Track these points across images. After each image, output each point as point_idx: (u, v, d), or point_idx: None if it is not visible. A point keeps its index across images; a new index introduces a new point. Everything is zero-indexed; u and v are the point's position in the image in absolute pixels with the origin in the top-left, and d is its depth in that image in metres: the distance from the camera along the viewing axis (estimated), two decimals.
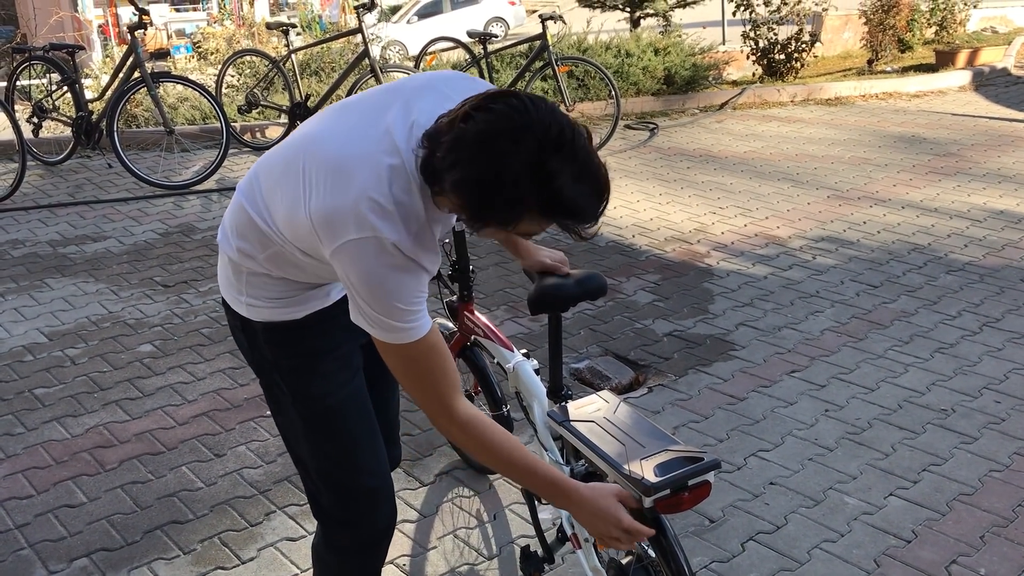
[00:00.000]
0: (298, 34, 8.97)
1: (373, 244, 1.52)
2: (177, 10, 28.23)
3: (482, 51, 7.34)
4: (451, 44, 8.16)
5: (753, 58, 10.29)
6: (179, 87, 7.39)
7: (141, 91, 6.41)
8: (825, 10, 11.01)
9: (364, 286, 1.56)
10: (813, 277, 4.87)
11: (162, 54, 7.70)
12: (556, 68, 7.08)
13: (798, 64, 10.19)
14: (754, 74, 10.47)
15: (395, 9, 28.13)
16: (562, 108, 6.99)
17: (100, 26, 26.48)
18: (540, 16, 6.79)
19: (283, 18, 8.08)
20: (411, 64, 8.73)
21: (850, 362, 3.93)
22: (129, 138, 6.92)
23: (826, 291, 4.69)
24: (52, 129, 7.03)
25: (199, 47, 15.52)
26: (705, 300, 4.62)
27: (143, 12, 6.21)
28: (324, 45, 8.22)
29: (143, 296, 4.66)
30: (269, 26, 7.68)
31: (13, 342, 4.16)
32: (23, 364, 3.96)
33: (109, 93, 6.44)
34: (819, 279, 4.84)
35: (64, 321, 4.37)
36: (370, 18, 8.41)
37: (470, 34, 7.36)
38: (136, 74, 6.22)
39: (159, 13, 28.53)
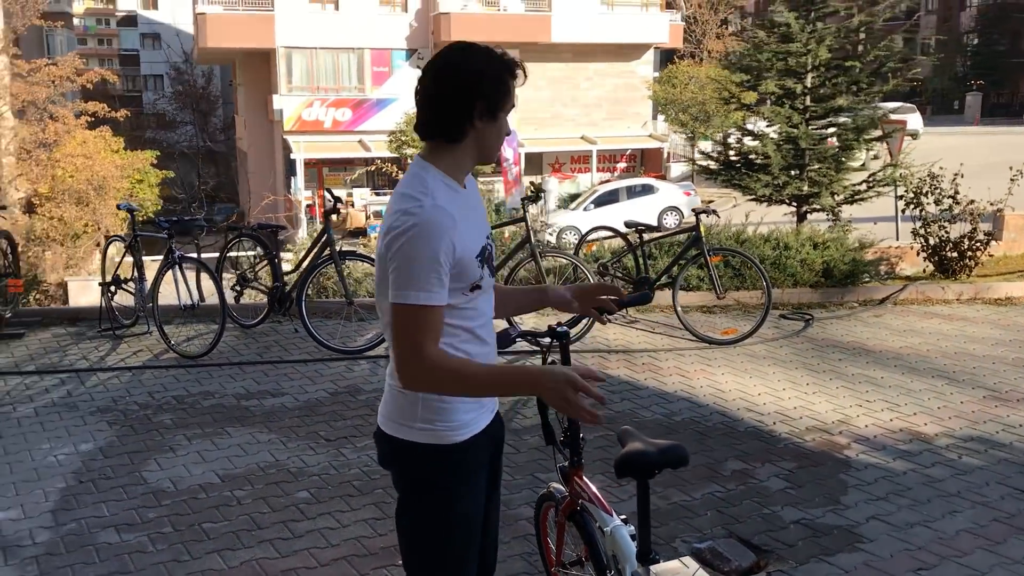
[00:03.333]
0: None
1: None
2: (377, 194, 30.85)
3: (638, 240, 7.80)
4: (609, 233, 8.69)
5: (924, 255, 10.26)
6: (364, 264, 8.19)
7: (330, 266, 7.20)
8: (1000, 210, 10.89)
9: None
10: (956, 476, 4.77)
11: (359, 232, 8.58)
12: (708, 258, 7.42)
13: (971, 262, 10.06)
14: (925, 270, 10.40)
15: (575, 197, 29.68)
16: (713, 295, 7.34)
17: (308, 206, 29.41)
18: (694, 210, 7.21)
19: None
20: (571, 251, 9.29)
21: (983, 564, 3.83)
22: (316, 307, 7.71)
23: (968, 492, 4.58)
24: (251, 296, 7.93)
25: None
26: (839, 491, 4.61)
27: (337, 199, 7.08)
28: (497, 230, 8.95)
29: (307, 448, 5.14)
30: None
31: (191, 481, 4.69)
32: (197, 500, 4.46)
33: (303, 267, 7.27)
34: (962, 479, 4.74)
35: (236, 465, 4.89)
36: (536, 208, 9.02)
37: (627, 224, 7.85)
38: (327, 252, 7.02)
39: (360, 196, 31.45)
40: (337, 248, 6.99)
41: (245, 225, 7.55)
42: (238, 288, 7.56)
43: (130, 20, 60.41)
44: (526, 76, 2.37)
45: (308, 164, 30.41)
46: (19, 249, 8.07)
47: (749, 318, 7.94)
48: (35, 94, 26.10)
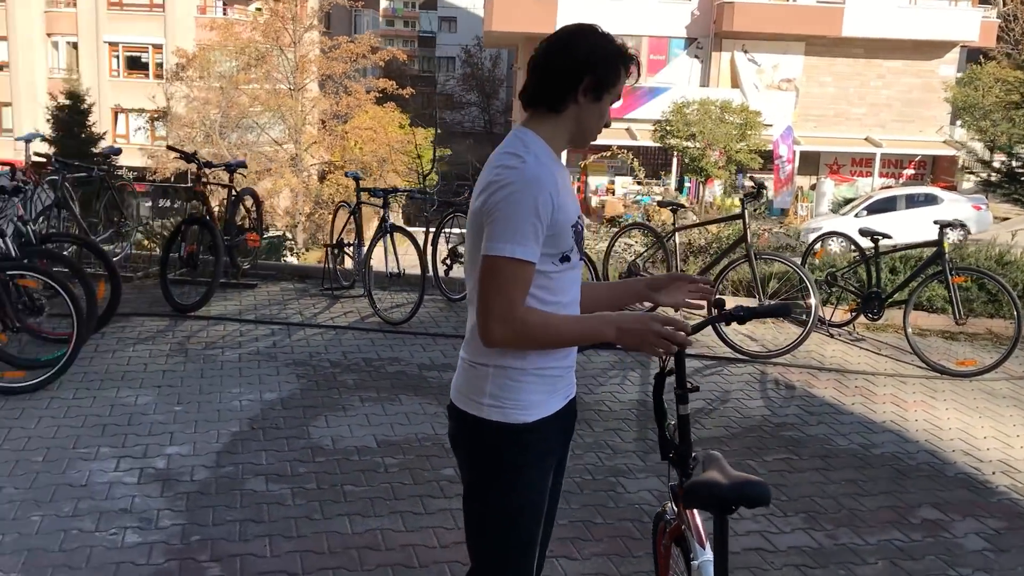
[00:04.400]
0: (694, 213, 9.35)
1: None
2: (639, 183, 30.61)
3: (872, 250, 7.06)
4: (843, 240, 7.95)
5: None
6: None
7: None
8: None
9: None
10: None
11: (615, 220, 8.37)
12: (951, 277, 6.57)
13: None
14: None
15: (848, 200, 27.77)
16: (952, 320, 6.48)
17: None
18: (937, 222, 6.40)
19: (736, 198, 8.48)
20: (798, 259, 8.60)
21: None
22: None
23: None
24: (458, 271, 8.04)
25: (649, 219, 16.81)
26: None
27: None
28: (707, 227, 8.54)
29: None
30: (661, 204, 8.15)
31: (349, 442, 4.79)
32: (348, 462, 4.55)
33: None
34: None
35: (396, 433, 4.95)
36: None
37: (862, 232, 7.13)
38: None
39: (622, 184, 31.35)
40: None
41: (463, 200, 7.62)
42: (447, 262, 7.69)
43: (430, 3, 64.00)
44: (640, 74, 2.37)
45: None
46: (264, 208, 8.70)
47: (996, 350, 6.97)
48: (333, 69, 28.39)
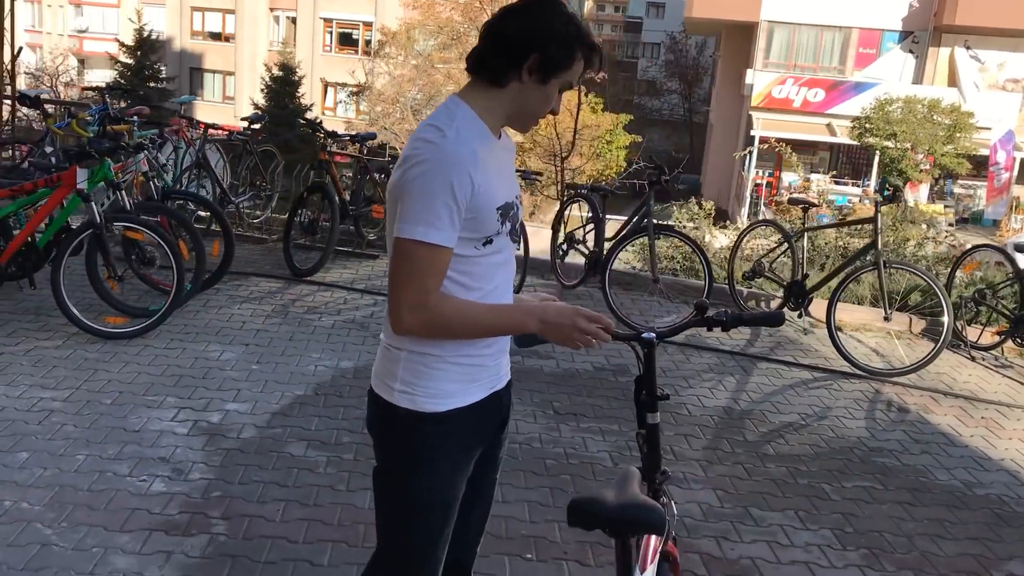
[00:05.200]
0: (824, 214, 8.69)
1: None
2: (836, 182, 28.99)
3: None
4: (999, 253, 7.13)
5: None
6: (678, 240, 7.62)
7: (642, 239, 6.83)
8: None
9: None
10: None
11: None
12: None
13: None
14: None
15: None
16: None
17: (756, 186, 28.62)
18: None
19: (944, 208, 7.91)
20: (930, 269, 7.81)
21: None
22: (623, 278, 7.44)
23: None
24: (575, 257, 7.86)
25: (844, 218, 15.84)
26: None
27: (659, 168, 6.73)
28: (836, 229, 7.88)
29: (536, 415, 4.96)
30: (791, 202, 7.61)
31: None
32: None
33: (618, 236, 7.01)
34: None
35: None
36: None
37: (1018, 247, 6.37)
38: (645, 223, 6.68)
39: (817, 182, 29.78)
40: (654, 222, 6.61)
41: (581, 185, 7.43)
42: (563, 248, 7.53)
43: None
44: (602, 66, 2.24)
45: (763, 141, 29.52)
46: None
47: None
48: None
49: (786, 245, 6.95)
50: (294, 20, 38.03)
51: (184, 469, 4.01)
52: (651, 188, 6.72)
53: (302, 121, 8.66)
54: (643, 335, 2.48)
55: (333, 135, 7.51)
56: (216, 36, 39.71)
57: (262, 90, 32.28)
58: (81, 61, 43.94)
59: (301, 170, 8.13)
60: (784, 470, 4.58)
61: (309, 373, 5.27)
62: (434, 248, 2.01)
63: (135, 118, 7.76)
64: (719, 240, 9.11)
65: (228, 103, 38.31)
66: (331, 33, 37.74)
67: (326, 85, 36.94)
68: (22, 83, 13.99)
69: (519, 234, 2.34)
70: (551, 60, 2.08)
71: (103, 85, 8.79)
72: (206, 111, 38.52)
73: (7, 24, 9.24)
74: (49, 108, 8.36)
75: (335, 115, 35.96)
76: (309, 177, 7.74)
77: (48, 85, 31.52)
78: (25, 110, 9.39)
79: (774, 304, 7.23)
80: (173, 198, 6.49)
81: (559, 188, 8.52)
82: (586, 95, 29.75)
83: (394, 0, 35.60)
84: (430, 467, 2.18)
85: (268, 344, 5.69)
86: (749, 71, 30.21)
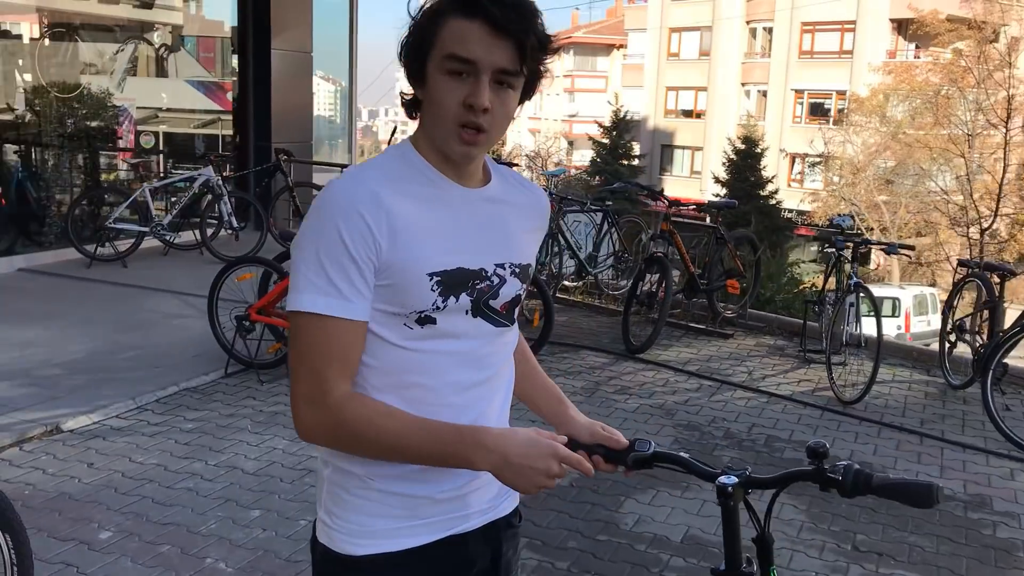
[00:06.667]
0: None
1: None
2: None
3: None
4: None
5: None
6: None
7: None
8: None
9: None
10: None
11: None
12: None
13: None
14: None
15: None
16: None
17: None
18: None
19: None
20: None
21: None
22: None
23: None
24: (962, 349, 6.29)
25: None
26: None
27: None
28: None
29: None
30: None
31: (651, 528, 4.05)
32: (628, 550, 3.84)
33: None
34: None
35: (718, 534, 4.03)
36: None
37: None
38: None
39: None
40: None
41: (975, 262, 5.94)
42: (951, 339, 6.07)
43: None
44: (499, 27, 1.46)
45: None
46: (762, 254, 7.91)
47: None
48: None
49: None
50: (764, 93, 37.74)
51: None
52: None
53: (640, 187, 8.17)
54: (719, 479, 1.67)
55: (675, 203, 6.95)
56: (688, 113, 40.87)
57: (723, 164, 32.36)
58: (570, 142, 48.21)
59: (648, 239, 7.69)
60: None
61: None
62: (327, 321, 1.47)
63: None
64: None
65: (695, 177, 39.06)
66: (802, 104, 36.74)
67: (793, 157, 35.93)
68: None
69: (512, 314, 1.69)
70: (411, 42, 1.52)
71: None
72: (673, 186, 39.74)
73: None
74: None
75: (800, 187, 34.79)
76: (648, 248, 7.25)
77: (540, 165, 35.03)
78: None
79: None
80: None
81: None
82: None
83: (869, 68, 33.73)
84: None
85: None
86: None
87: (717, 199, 7.81)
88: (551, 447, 1.51)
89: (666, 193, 7.13)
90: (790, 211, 31.28)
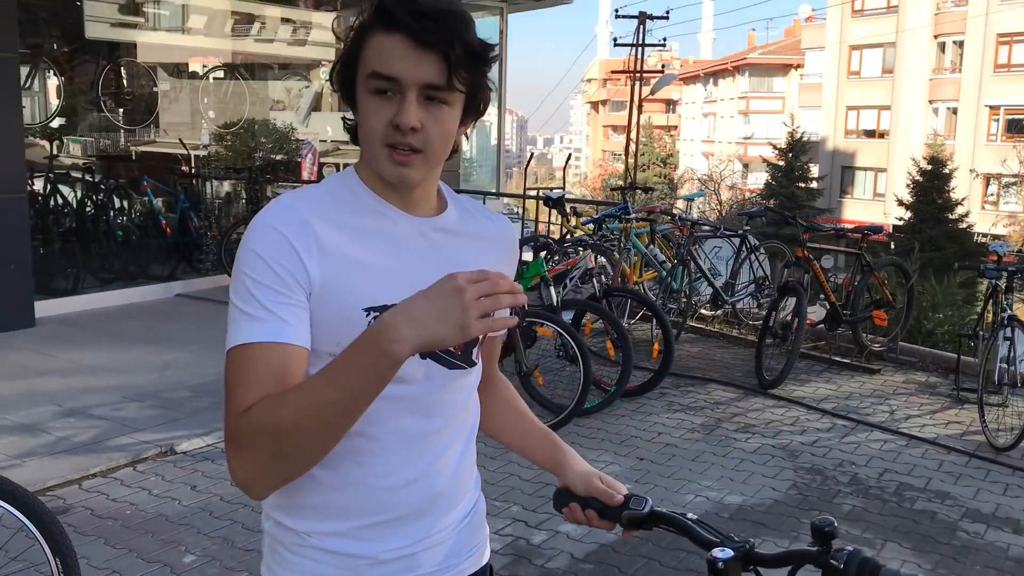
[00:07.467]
0: None
1: None
2: None
3: None
4: None
5: None
6: None
7: None
8: None
9: None
10: None
11: None
12: None
13: None
14: None
15: None
16: None
17: None
18: None
19: None
20: None
21: None
22: None
23: None
24: None
25: None
26: None
27: None
28: None
29: None
30: None
31: None
32: None
33: None
34: None
35: None
36: None
37: None
38: None
39: None
40: None
41: None
42: None
43: None
44: (420, 40, 1.32)
45: None
46: (914, 283, 7.26)
47: None
48: None
49: None
50: (954, 110, 35.39)
51: None
52: None
53: (774, 211, 7.69)
54: (713, 551, 1.46)
55: (812, 228, 6.49)
56: (870, 133, 38.91)
57: (907, 185, 30.53)
58: (745, 165, 46.92)
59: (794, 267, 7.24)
60: None
61: (682, 503, 4.48)
62: (253, 348, 1.31)
63: (650, 215, 7.74)
64: None
65: (878, 200, 37.11)
66: (997, 121, 34.15)
67: (987, 177, 33.42)
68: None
69: (469, 355, 1.53)
70: (341, 63, 1.41)
71: (622, 185, 8.99)
72: (855, 209, 37.86)
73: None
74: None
75: (996, 209, 32.34)
76: (782, 276, 6.81)
77: (713, 188, 34.33)
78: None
79: None
80: (614, 296, 6.22)
81: None
82: None
83: None
84: None
85: (665, 462, 5.02)
86: None
87: (867, 224, 7.19)
88: (447, 276, 1.24)
89: (800, 220, 6.68)
90: (984, 235, 29.05)
